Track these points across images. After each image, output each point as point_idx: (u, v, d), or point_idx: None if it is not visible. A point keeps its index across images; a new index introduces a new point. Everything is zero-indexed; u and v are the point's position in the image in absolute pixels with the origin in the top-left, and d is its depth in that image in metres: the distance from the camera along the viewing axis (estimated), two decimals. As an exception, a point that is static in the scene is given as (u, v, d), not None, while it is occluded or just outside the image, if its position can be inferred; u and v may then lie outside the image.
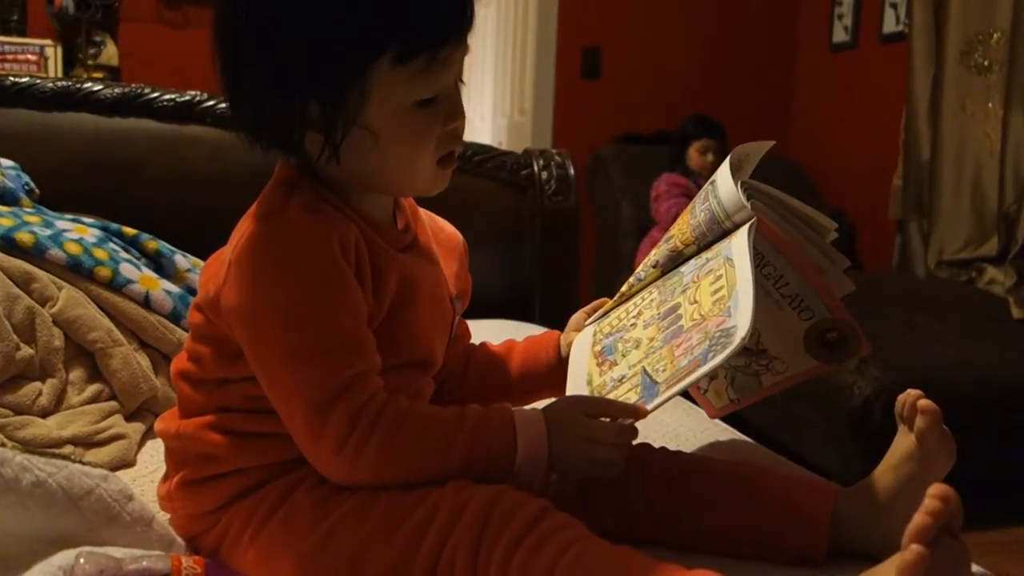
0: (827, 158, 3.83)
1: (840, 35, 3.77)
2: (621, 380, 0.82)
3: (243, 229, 0.76)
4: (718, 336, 0.73)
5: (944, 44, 3.04)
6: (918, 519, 0.61)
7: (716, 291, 0.79)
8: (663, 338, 0.81)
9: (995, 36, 2.94)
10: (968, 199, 3.01)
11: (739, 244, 0.80)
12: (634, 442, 0.79)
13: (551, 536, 0.66)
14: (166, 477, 0.84)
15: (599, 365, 0.88)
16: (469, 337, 1.00)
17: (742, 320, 0.72)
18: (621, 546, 0.67)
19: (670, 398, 0.75)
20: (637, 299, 0.93)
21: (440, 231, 0.94)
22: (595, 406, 0.79)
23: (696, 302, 0.80)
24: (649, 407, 0.76)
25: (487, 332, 1.50)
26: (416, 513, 0.70)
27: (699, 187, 3.74)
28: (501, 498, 0.69)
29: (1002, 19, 2.90)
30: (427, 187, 0.82)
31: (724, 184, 0.86)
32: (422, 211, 0.92)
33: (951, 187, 3.05)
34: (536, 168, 1.89)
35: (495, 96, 4.40)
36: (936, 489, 0.63)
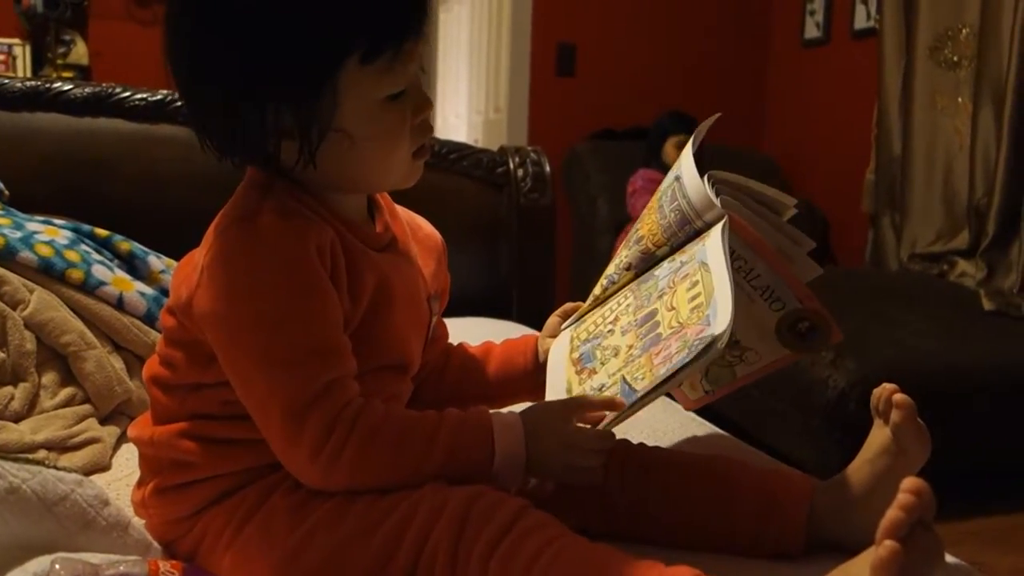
0: (800, 153, 3.86)
1: (812, 31, 3.80)
2: (601, 389, 0.82)
3: (215, 233, 0.75)
4: (697, 344, 0.73)
5: (914, 40, 3.08)
6: (891, 515, 0.61)
7: (693, 298, 0.79)
8: (642, 346, 0.82)
9: (964, 32, 2.98)
10: (939, 193, 3.05)
11: (714, 249, 0.80)
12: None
13: (529, 535, 0.66)
14: (140, 483, 0.83)
15: (578, 373, 0.88)
16: (447, 337, 0.99)
17: (720, 327, 0.72)
18: (599, 544, 0.67)
19: (649, 400, 0.75)
20: (612, 303, 0.92)
21: (419, 229, 0.94)
22: (573, 408, 0.78)
23: (674, 308, 0.81)
24: (629, 407, 0.76)
25: (464, 330, 1.49)
26: (393, 515, 0.70)
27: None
28: (479, 499, 0.69)
29: (970, 15, 2.93)
30: (402, 180, 0.82)
31: (692, 183, 0.85)
32: (400, 209, 0.91)
33: (922, 181, 3.08)
34: (512, 165, 1.89)
35: (470, 94, 4.40)
36: (909, 484, 0.63)
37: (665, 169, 3.79)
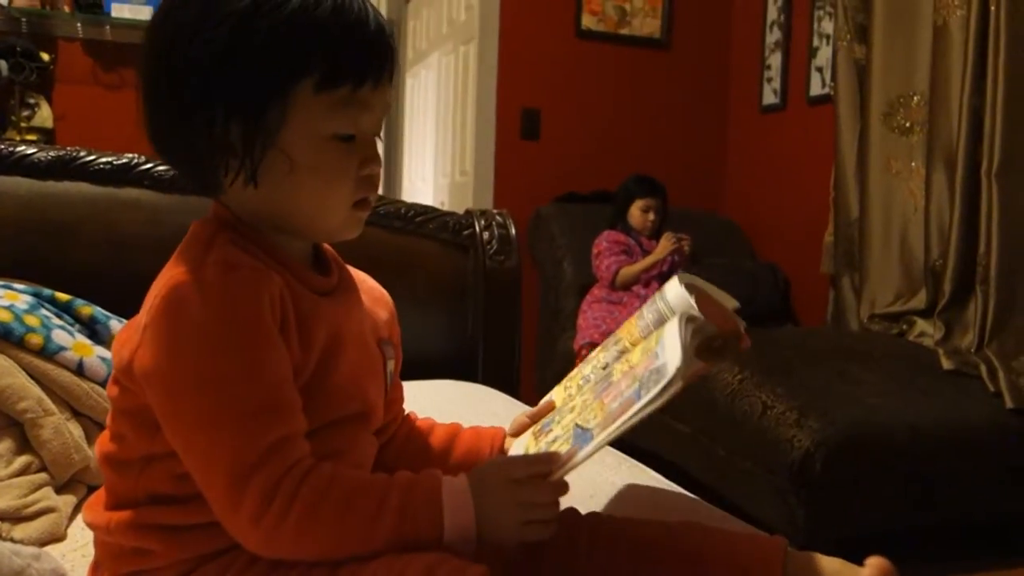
0: (761, 216, 3.93)
1: (770, 98, 3.91)
2: (554, 441, 0.81)
3: (157, 289, 0.73)
4: (648, 375, 0.73)
5: (868, 106, 3.17)
6: None
7: (647, 348, 0.80)
8: (594, 394, 0.82)
9: (915, 98, 3.07)
10: (896, 254, 3.11)
11: (674, 305, 0.81)
12: (583, 509, 0.78)
13: None
14: (97, 567, 0.80)
15: (535, 436, 0.88)
16: (402, 401, 0.96)
17: (672, 356, 0.72)
18: None
19: (603, 442, 0.75)
20: (581, 392, 0.92)
21: (364, 282, 0.93)
22: (518, 466, 0.76)
23: (629, 363, 0.81)
24: (580, 453, 0.75)
25: (431, 392, 1.48)
26: None
27: (640, 244, 3.75)
28: (438, 567, 0.66)
29: (920, 82, 3.03)
30: (341, 228, 0.80)
31: (673, 291, 0.88)
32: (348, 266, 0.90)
33: (880, 243, 3.15)
34: (478, 228, 1.91)
35: (436, 157, 4.44)
36: (871, 571, 0.63)
37: (630, 231, 3.82)
